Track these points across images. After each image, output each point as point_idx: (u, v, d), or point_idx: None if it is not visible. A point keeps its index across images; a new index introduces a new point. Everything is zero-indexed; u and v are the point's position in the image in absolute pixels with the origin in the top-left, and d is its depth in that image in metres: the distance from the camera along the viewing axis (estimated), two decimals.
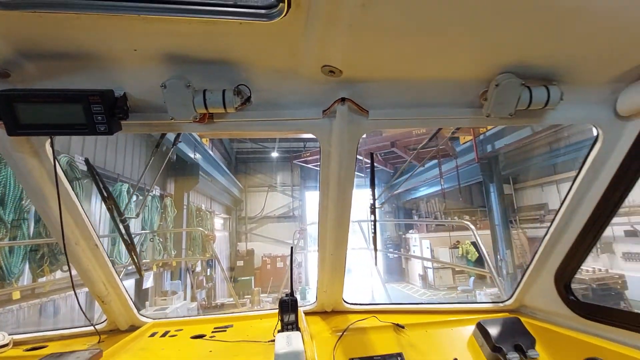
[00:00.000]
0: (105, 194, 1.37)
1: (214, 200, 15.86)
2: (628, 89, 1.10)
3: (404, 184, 18.59)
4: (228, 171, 14.72)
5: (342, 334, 1.65)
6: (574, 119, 1.20)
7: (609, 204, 1.31)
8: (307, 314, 1.93)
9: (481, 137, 13.19)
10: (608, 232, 12.19)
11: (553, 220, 1.49)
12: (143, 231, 8.09)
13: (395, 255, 18.30)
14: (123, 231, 1.53)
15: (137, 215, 7.41)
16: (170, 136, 1.69)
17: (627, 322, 1.32)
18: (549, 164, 13.38)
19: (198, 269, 11.64)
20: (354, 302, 1.97)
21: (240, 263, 17.43)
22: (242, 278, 14.79)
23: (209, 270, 12.61)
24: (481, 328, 1.63)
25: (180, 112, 1.06)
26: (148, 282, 8.86)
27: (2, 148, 1.15)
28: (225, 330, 1.70)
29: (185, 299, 9.53)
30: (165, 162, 2.38)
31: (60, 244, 1.36)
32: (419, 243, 16.82)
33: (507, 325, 1.63)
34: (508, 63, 1.02)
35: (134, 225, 8.11)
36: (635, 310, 1.37)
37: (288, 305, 1.41)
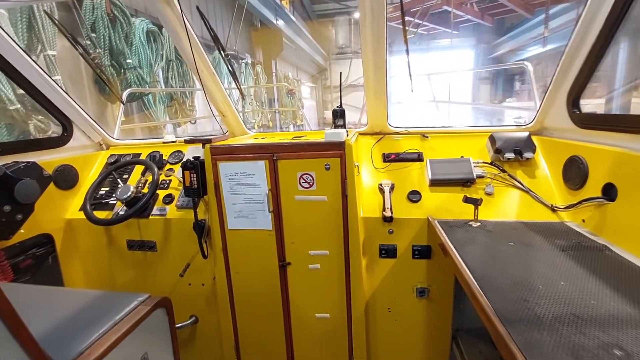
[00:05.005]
0: (213, 34, 2.03)
1: (300, 69, 16.40)
2: None
3: (509, 43, 15.77)
4: (310, 36, 14.55)
5: (380, 138, 2.27)
6: None
7: (613, 23, 1.43)
8: (361, 134, 2.56)
9: None
10: None
11: (566, 44, 1.65)
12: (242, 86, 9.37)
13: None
14: (229, 67, 2.24)
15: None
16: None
17: (617, 124, 1.58)
18: None
19: (291, 129, 13.30)
20: (397, 126, 2.49)
21: (327, 129, 18.92)
22: None
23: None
24: (491, 138, 2.05)
25: None
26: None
27: (152, 4, 1.81)
28: (301, 137, 2.48)
29: None
30: (242, 15, 2.89)
31: (194, 71, 2.13)
32: (517, 113, 15.29)
33: (515, 137, 2.01)
34: None
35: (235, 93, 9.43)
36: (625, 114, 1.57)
37: (337, 113, 2.04)
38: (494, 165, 1.98)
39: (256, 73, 10.44)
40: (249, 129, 2.70)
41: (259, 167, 1.86)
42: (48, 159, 2.23)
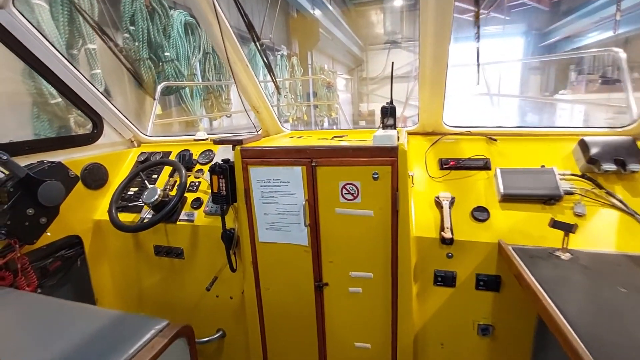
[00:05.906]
0: (247, 21, 1.79)
1: (336, 61, 16.00)
2: None
3: (565, 29, 14.16)
4: (347, 26, 14.06)
5: (436, 141, 1.93)
6: None
7: None
8: (409, 133, 2.23)
9: None
10: None
11: None
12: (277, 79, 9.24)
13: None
14: (264, 59, 2.00)
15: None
16: None
17: None
18: None
19: (325, 125, 13.01)
20: (454, 125, 2.13)
21: (362, 123, 18.43)
22: None
23: (334, 127, 14.01)
24: (582, 143, 1.65)
25: None
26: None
27: None
28: (341, 137, 2.20)
29: None
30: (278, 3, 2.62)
31: (225, 63, 1.91)
32: (570, 107, 13.62)
33: (615, 143, 1.60)
34: None
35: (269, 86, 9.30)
36: None
37: (387, 110, 1.73)
38: (587, 179, 1.58)
39: (292, 65, 10.22)
40: (282, 123, 2.46)
41: (295, 174, 1.61)
42: (77, 157, 2.14)
